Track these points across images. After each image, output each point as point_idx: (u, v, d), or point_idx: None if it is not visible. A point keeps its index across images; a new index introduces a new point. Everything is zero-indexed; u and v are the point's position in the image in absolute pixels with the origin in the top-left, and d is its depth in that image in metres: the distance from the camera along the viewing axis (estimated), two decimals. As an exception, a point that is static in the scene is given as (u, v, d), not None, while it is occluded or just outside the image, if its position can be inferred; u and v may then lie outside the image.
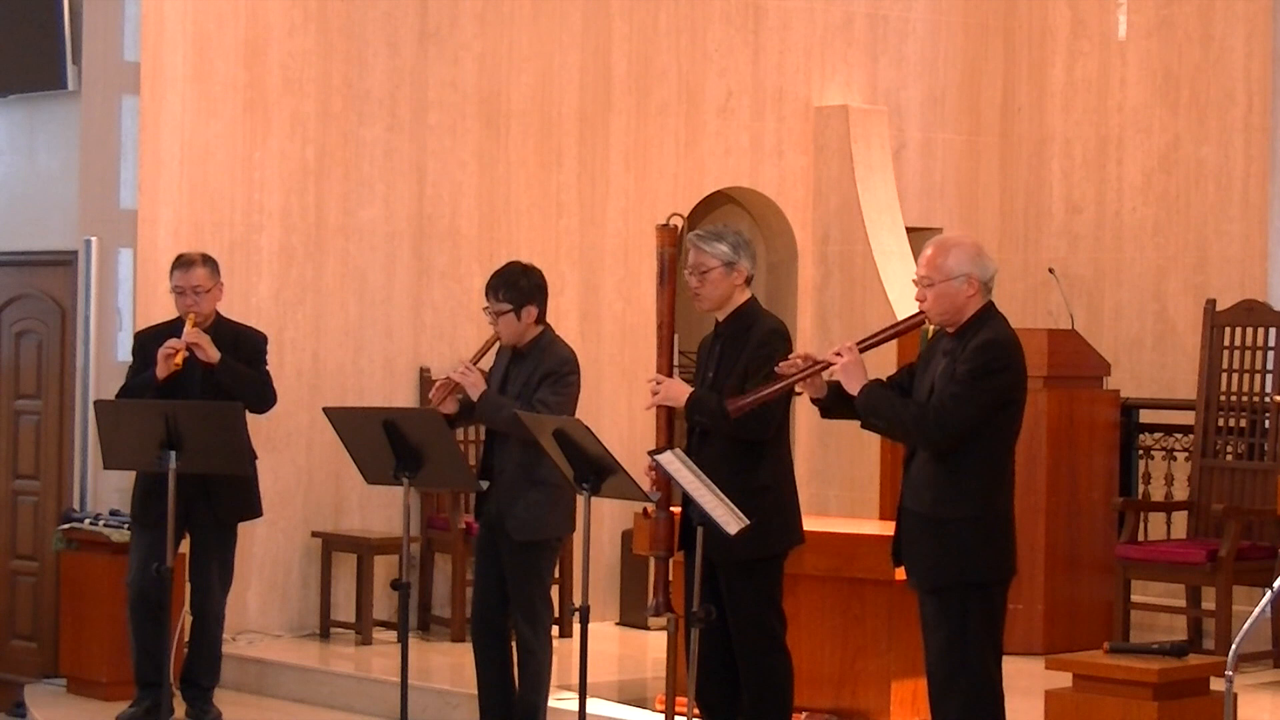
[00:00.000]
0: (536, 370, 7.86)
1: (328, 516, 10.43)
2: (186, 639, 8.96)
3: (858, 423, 6.78)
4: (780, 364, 6.80)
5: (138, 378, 8.66)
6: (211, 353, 8.53)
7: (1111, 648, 7.31)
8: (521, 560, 7.86)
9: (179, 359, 8.45)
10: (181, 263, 8.77)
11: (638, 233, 11.14)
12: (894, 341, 7.20)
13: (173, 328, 8.71)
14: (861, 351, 6.62)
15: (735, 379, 7.19)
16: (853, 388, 6.57)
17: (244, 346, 8.78)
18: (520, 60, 10.94)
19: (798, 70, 11.85)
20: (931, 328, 6.79)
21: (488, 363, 8.08)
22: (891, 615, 8.04)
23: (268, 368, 8.89)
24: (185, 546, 8.78)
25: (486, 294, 7.93)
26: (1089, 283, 12.15)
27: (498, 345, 8.01)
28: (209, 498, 8.57)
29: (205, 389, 8.50)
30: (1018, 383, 6.57)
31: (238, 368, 8.62)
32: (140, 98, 9.94)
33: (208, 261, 8.78)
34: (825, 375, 6.69)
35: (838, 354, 6.62)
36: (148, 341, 8.78)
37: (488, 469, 7.95)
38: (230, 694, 9.36)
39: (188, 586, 8.88)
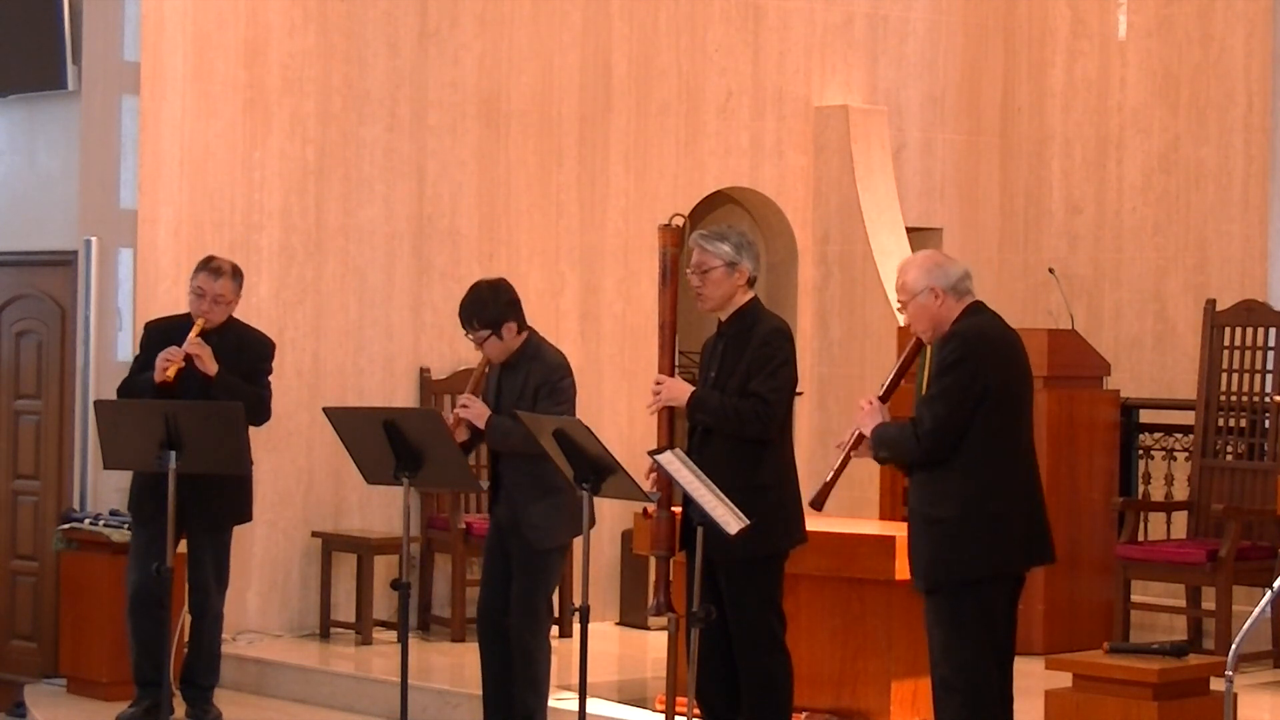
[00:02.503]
0: (528, 381, 7.84)
1: (328, 516, 10.42)
2: (186, 639, 8.96)
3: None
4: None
5: (138, 376, 8.65)
6: (210, 365, 8.49)
7: (1111, 648, 7.32)
8: (535, 565, 7.87)
9: (172, 371, 8.42)
10: (210, 267, 8.70)
11: (638, 233, 11.14)
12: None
13: (185, 322, 8.69)
14: (884, 400, 6.77)
15: (738, 379, 7.20)
16: (867, 429, 6.72)
17: (248, 352, 8.74)
18: (520, 60, 10.94)
19: (798, 70, 11.84)
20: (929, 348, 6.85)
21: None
22: (891, 615, 8.04)
23: (270, 376, 8.84)
24: (183, 546, 8.78)
25: (462, 324, 7.90)
26: (1089, 283, 12.15)
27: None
28: (202, 499, 8.52)
29: (201, 397, 8.44)
30: (982, 375, 6.54)
31: (234, 383, 8.54)
32: (140, 98, 9.93)
33: (237, 275, 8.72)
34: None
35: (861, 407, 6.79)
36: (155, 334, 8.76)
37: (496, 478, 7.96)
38: (230, 694, 9.36)
39: (186, 586, 8.89)
